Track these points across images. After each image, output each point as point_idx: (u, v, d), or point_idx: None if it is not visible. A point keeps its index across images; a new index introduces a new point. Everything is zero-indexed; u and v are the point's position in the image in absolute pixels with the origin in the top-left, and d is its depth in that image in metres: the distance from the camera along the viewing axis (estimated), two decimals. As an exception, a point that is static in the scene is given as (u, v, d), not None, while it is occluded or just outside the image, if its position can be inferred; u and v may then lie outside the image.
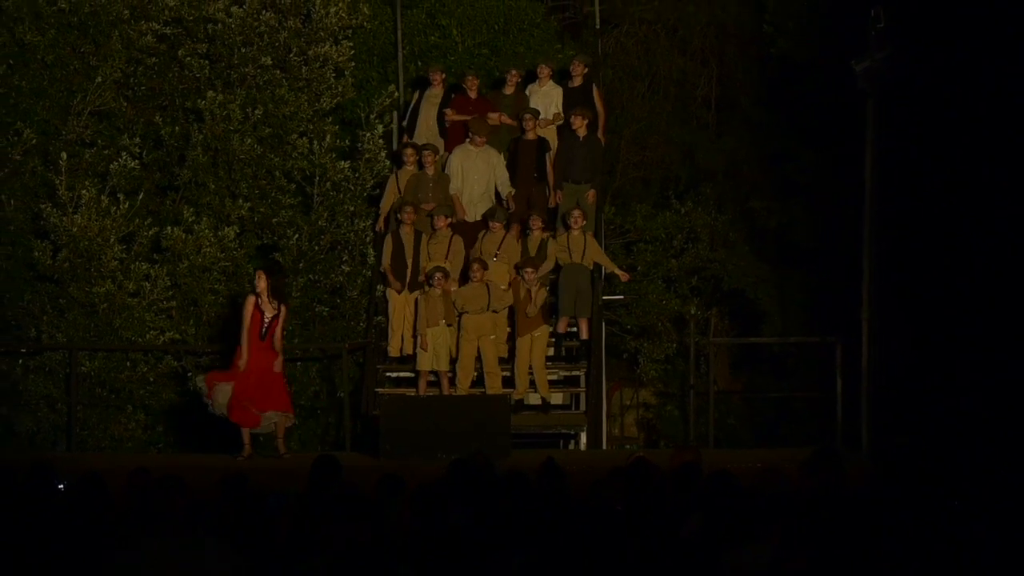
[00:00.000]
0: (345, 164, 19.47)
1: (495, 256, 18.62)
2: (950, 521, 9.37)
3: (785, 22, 20.52)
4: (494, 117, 19.70)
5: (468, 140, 19.36)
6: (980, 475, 12.04)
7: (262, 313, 16.56)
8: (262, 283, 16.63)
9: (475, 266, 18.16)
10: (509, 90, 20.00)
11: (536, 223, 18.80)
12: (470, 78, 19.93)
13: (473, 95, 19.90)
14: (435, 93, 19.94)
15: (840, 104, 18.35)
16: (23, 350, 19.08)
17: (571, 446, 18.73)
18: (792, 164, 20.60)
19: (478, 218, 19.24)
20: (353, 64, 19.88)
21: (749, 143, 21.48)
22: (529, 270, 18.22)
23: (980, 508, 9.76)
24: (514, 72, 20.05)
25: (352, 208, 19.53)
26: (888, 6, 16.36)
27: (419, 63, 20.76)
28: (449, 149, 19.61)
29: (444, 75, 20.05)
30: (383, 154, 19.66)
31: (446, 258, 18.55)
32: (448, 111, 19.82)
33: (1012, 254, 17.15)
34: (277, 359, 16.67)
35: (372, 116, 19.84)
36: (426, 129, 19.81)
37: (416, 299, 18.41)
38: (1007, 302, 17.15)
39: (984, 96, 17.43)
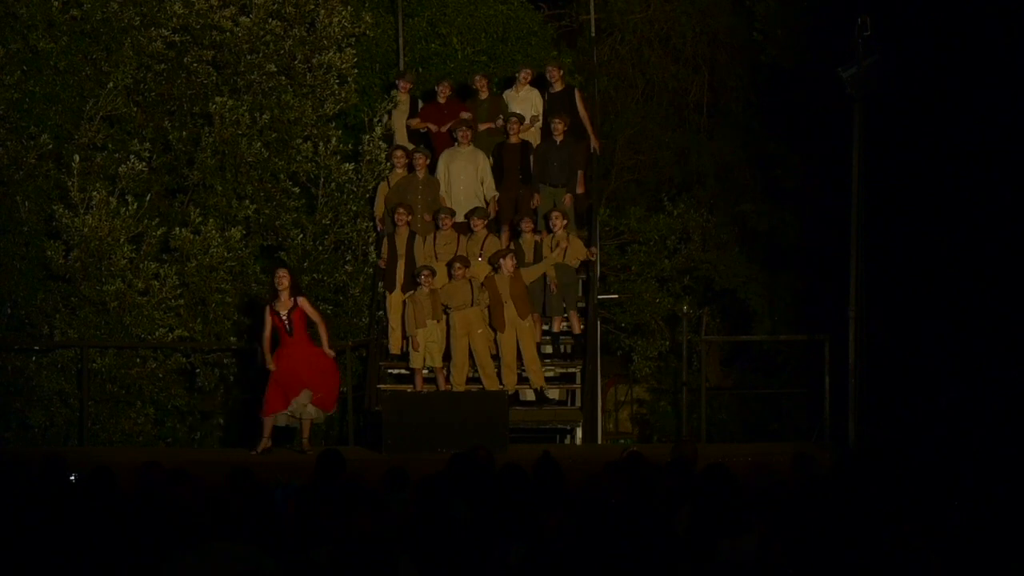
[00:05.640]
0: (349, 166, 19.77)
1: (479, 256, 18.77)
2: (934, 516, 9.66)
3: (774, 30, 20.70)
4: (465, 115, 19.96)
5: (456, 143, 19.62)
6: (964, 470, 12.24)
7: (278, 314, 16.86)
8: (286, 281, 16.94)
9: (457, 264, 18.30)
10: (483, 96, 20.25)
11: (527, 225, 19.04)
12: (443, 84, 20.20)
13: (442, 100, 20.20)
14: (402, 100, 20.22)
15: (828, 109, 18.45)
16: (36, 347, 19.18)
17: (567, 441, 18.87)
18: (781, 168, 20.82)
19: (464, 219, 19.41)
20: (356, 71, 20.10)
21: (740, 147, 21.64)
22: (505, 260, 18.35)
23: (964, 503, 10.06)
24: (479, 78, 20.31)
25: (355, 209, 19.80)
26: (874, 15, 16.52)
27: (420, 70, 21.02)
28: (435, 156, 19.80)
29: (410, 84, 20.28)
30: (382, 156, 19.85)
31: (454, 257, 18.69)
32: (411, 121, 20.14)
33: (996, 254, 17.46)
34: (323, 346, 16.96)
35: (375, 120, 20.09)
36: (399, 137, 20.08)
37: (404, 301, 18.56)
38: (991, 301, 17.47)
39: (968, 101, 17.74)
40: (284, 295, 16.90)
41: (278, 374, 16.80)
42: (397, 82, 20.35)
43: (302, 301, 16.95)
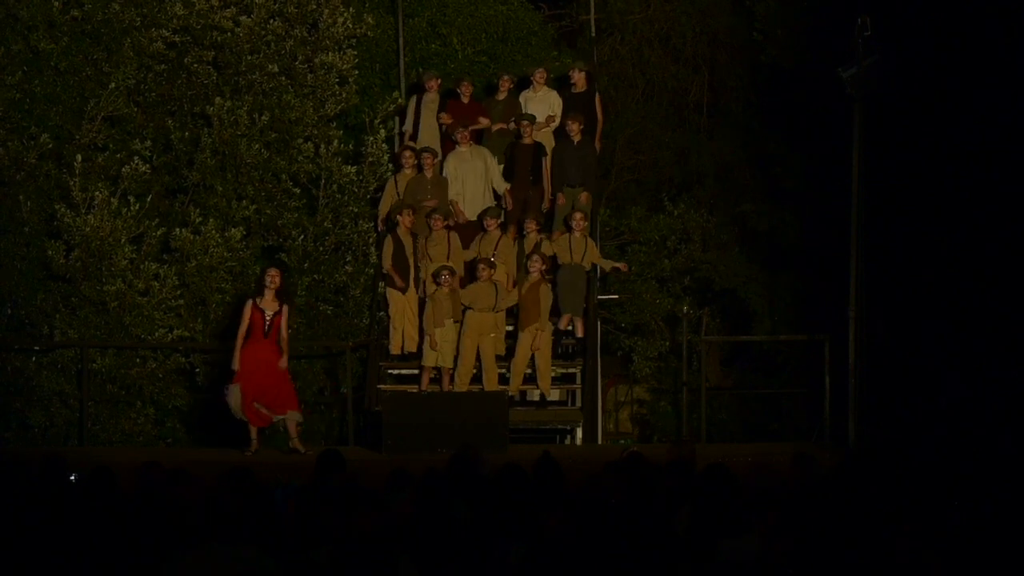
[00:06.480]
0: (351, 168, 19.77)
1: (492, 257, 18.83)
2: (934, 516, 9.63)
3: (774, 30, 20.72)
4: (484, 122, 20.04)
5: (456, 144, 19.68)
6: (964, 470, 12.33)
7: (262, 312, 16.83)
8: (278, 280, 16.96)
9: (482, 266, 18.37)
10: (501, 96, 20.30)
11: (531, 225, 19.10)
12: (464, 84, 20.23)
13: (466, 100, 20.22)
14: (431, 99, 20.18)
15: (828, 110, 18.49)
16: (36, 347, 19.22)
17: (567, 441, 18.86)
18: (781, 168, 20.84)
19: (475, 219, 19.51)
20: (356, 72, 20.10)
21: (740, 147, 21.66)
22: (536, 258, 18.40)
23: (964, 503, 10.03)
24: (506, 78, 20.34)
25: (356, 210, 19.81)
26: (874, 15, 16.56)
27: (420, 70, 20.94)
28: (444, 155, 19.87)
29: (439, 81, 20.28)
30: (386, 158, 19.87)
31: (447, 259, 18.77)
32: (443, 115, 20.12)
33: (996, 254, 17.50)
34: (282, 358, 16.91)
35: (376, 121, 20.08)
36: (428, 135, 20.08)
37: (422, 300, 18.62)
38: (991, 301, 17.50)
39: (968, 101, 17.77)
40: (270, 294, 16.91)
41: (242, 374, 16.80)
42: (424, 82, 20.30)
43: (286, 310, 17.00)
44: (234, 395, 16.81)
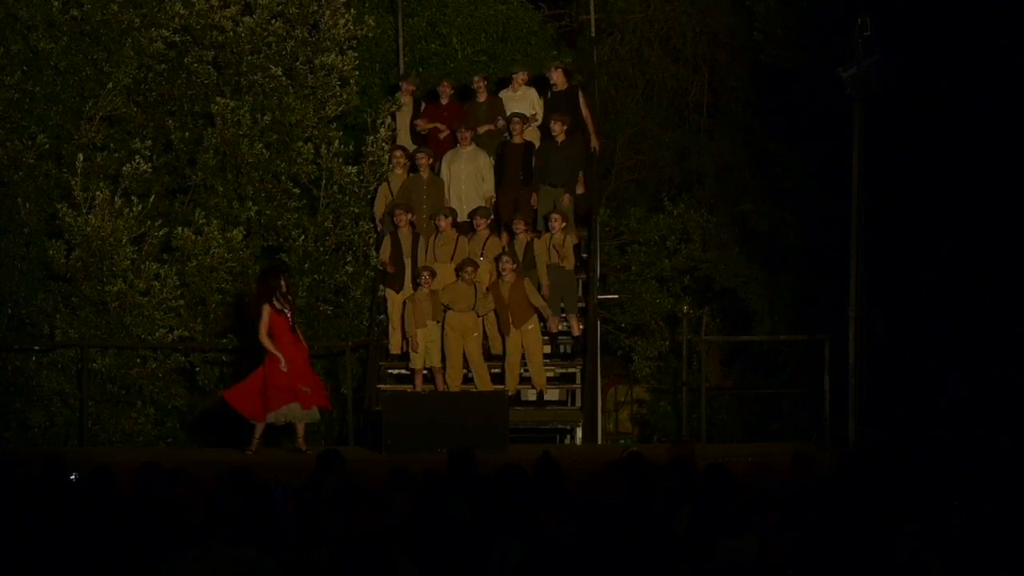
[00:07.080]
0: (351, 168, 19.75)
1: (481, 255, 18.85)
2: (934, 516, 9.62)
3: (774, 30, 20.69)
4: (467, 135, 19.87)
5: (458, 143, 19.65)
6: (964, 470, 12.33)
7: (283, 313, 16.86)
8: (284, 284, 17.01)
9: (468, 268, 18.38)
10: (481, 98, 20.27)
11: (519, 226, 19.08)
12: (444, 84, 20.22)
13: (445, 101, 20.20)
14: (405, 103, 20.19)
15: (828, 110, 18.47)
16: (36, 347, 19.20)
17: (567, 441, 18.89)
18: (781, 168, 20.82)
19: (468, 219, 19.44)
20: (357, 72, 20.07)
21: (740, 147, 21.63)
22: (506, 259, 18.44)
23: (964, 503, 10.02)
24: (478, 79, 20.31)
25: (356, 210, 19.79)
26: (874, 15, 16.58)
27: (420, 70, 21.01)
28: (437, 157, 19.83)
29: (414, 87, 20.29)
30: (386, 157, 19.84)
31: (451, 258, 18.81)
32: (418, 122, 20.15)
33: (996, 254, 17.51)
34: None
35: (379, 122, 20.04)
36: (404, 140, 20.12)
37: (404, 302, 18.65)
38: (991, 301, 17.52)
39: (968, 101, 17.79)
40: (281, 296, 16.90)
41: (294, 373, 16.80)
42: (400, 84, 20.33)
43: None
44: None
